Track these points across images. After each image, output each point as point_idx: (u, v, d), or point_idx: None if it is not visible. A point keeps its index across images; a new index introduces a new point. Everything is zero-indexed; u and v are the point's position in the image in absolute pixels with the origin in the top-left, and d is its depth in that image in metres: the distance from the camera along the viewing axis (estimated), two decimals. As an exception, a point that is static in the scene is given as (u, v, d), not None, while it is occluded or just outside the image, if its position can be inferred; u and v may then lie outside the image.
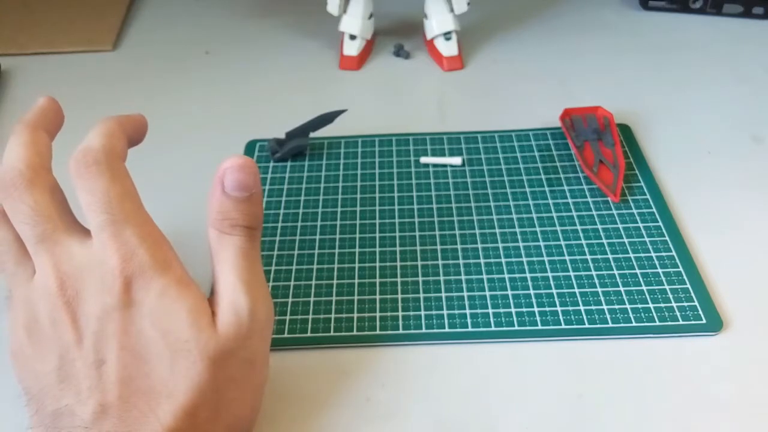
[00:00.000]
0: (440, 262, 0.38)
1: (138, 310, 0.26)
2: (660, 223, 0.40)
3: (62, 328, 0.27)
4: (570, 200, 0.42)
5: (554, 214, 0.41)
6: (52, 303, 0.27)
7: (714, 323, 0.34)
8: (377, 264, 0.38)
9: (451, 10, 0.54)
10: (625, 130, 0.47)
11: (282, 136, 0.46)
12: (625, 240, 0.39)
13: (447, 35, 0.54)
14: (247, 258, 0.28)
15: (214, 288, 0.28)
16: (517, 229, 0.40)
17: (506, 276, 0.37)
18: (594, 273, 0.37)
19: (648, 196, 0.41)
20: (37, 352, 0.27)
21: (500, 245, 0.39)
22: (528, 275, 0.37)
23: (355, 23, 0.54)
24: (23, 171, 0.27)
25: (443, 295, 0.37)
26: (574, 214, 0.41)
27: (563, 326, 0.35)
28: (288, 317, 0.36)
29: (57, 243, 0.27)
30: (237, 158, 0.28)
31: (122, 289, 0.26)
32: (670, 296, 0.36)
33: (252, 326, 0.28)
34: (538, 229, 0.40)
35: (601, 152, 0.44)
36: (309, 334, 0.35)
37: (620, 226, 0.40)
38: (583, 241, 0.39)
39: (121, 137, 0.29)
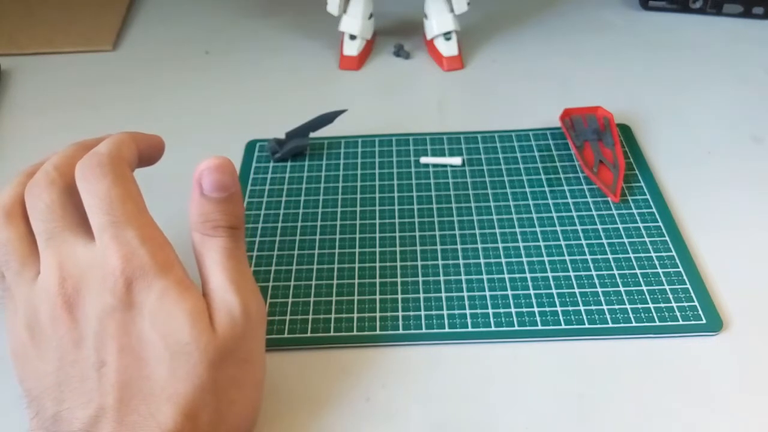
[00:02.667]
0: (440, 262, 0.38)
1: (139, 311, 0.26)
2: (660, 223, 0.40)
3: (62, 328, 0.27)
4: (570, 200, 0.42)
5: (554, 214, 0.41)
6: (52, 302, 0.27)
7: (714, 323, 0.34)
8: (377, 264, 0.38)
9: (451, 10, 0.54)
10: (625, 130, 0.47)
11: (282, 136, 0.46)
12: (625, 240, 0.39)
13: (447, 35, 0.54)
14: (233, 258, 0.29)
15: (203, 291, 0.28)
16: (517, 229, 0.40)
17: (506, 276, 0.37)
18: (594, 273, 0.37)
19: (648, 196, 0.41)
20: (39, 353, 0.27)
21: (500, 245, 0.39)
22: (528, 275, 0.37)
23: (355, 23, 0.54)
24: (49, 171, 0.29)
25: (443, 295, 0.37)
26: (574, 214, 0.41)
27: (563, 326, 0.35)
28: (288, 317, 0.36)
29: (64, 242, 0.27)
30: (213, 159, 0.28)
31: (123, 290, 0.26)
32: (670, 296, 0.36)
33: (246, 325, 0.28)
34: (538, 229, 0.40)
35: (601, 152, 0.44)
36: (309, 334, 0.35)
37: (620, 226, 0.40)
38: (583, 241, 0.39)
39: (131, 146, 0.30)
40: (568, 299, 0.36)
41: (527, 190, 0.43)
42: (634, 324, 0.34)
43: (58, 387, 0.27)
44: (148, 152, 0.32)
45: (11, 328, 0.29)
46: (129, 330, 0.26)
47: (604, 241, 0.39)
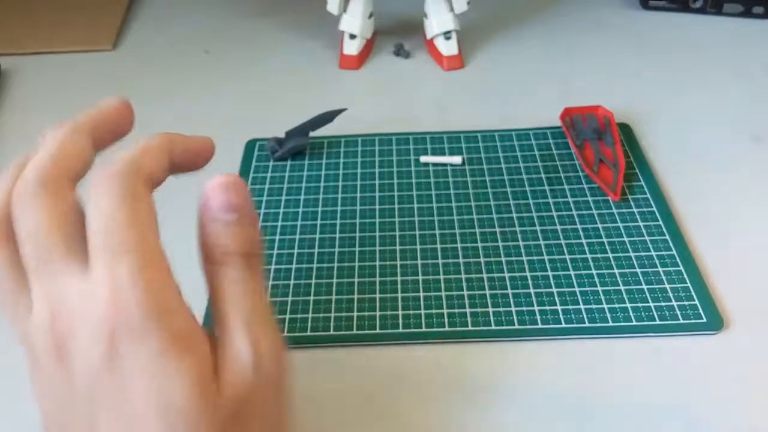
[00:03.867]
0: (440, 261, 0.38)
1: (129, 373, 0.22)
2: (660, 222, 0.40)
3: (57, 376, 0.23)
4: (570, 199, 0.42)
5: (554, 213, 0.41)
6: (45, 344, 0.23)
7: (714, 322, 0.34)
8: (377, 263, 0.38)
9: (451, 10, 0.54)
10: (626, 130, 0.47)
11: (282, 135, 0.46)
12: (626, 239, 0.39)
13: (447, 35, 0.54)
14: (247, 292, 0.24)
15: (215, 331, 0.24)
16: (517, 228, 0.40)
17: (506, 275, 0.37)
18: (594, 272, 0.37)
19: (648, 195, 0.41)
20: (42, 390, 0.24)
21: (500, 244, 0.39)
22: (528, 274, 0.37)
23: (355, 22, 0.54)
24: (31, 182, 0.24)
25: (443, 294, 0.36)
26: (575, 213, 0.41)
27: (563, 325, 0.35)
28: (288, 316, 0.36)
29: (54, 272, 0.23)
30: (221, 177, 0.25)
31: (108, 343, 0.22)
32: (671, 295, 0.36)
33: (257, 381, 0.23)
34: (538, 228, 0.40)
35: (601, 151, 0.44)
36: (309, 333, 0.35)
37: (620, 225, 0.40)
38: (584, 240, 0.39)
39: (160, 156, 0.26)
40: (568, 298, 0.36)
41: (527, 189, 0.43)
42: (634, 323, 0.34)
43: (63, 429, 0.24)
44: (185, 158, 0.28)
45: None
46: (117, 396, 0.22)
47: (605, 239, 0.39)
